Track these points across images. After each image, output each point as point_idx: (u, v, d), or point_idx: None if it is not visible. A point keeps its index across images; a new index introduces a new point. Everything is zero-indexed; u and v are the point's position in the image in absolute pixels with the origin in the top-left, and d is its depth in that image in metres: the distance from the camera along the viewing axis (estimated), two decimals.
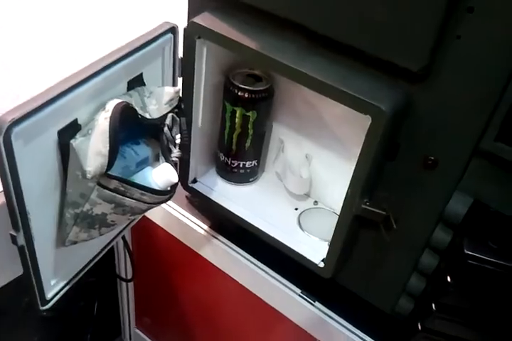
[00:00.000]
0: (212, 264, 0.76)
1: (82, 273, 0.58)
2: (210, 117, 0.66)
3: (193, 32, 0.55)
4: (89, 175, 0.43)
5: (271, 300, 0.73)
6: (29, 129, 0.41)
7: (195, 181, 0.70)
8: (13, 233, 0.45)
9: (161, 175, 0.49)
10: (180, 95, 0.55)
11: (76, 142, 0.44)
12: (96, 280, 0.88)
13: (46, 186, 0.45)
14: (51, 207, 0.47)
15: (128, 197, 0.46)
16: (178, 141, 0.53)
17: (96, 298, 0.97)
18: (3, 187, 0.43)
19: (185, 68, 0.59)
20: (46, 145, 0.44)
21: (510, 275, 0.45)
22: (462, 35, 0.44)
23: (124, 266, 0.92)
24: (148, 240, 0.85)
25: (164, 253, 0.85)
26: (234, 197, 0.69)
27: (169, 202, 0.75)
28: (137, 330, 1.10)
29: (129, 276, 0.91)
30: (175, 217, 0.76)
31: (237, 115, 0.63)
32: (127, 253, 0.83)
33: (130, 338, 1.14)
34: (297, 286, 0.69)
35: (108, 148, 0.42)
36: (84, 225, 0.47)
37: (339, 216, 0.57)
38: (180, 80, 0.60)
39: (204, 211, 0.76)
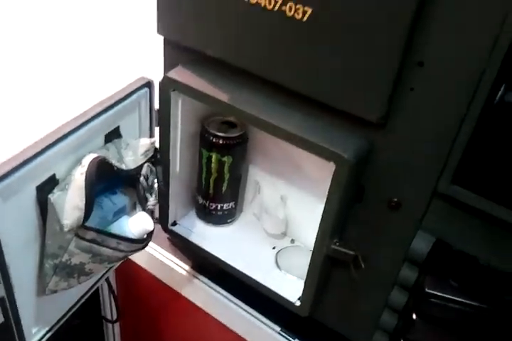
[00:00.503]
0: (194, 304, 0.78)
1: (65, 319, 0.59)
2: (187, 163, 0.69)
3: (167, 86, 0.59)
4: (66, 229, 0.45)
5: (252, 338, 0.75)
6: (8, 187, 0.43)
7: (175, 224, 0.72)
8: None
9: (137, 224, 0.51)
10: (157, 145, 0.58)
11: (54, 196, 0.46)
12: (81, 323, 0.89)
13: (26, 239, 0.47)
14: (31, 258, 0.49)
15: (105, 246, 0.48)
16: (155, 188, 0.56)
17: (82, 340, 0.97)
18: None
19: (162, 119, 0.62)
20: (25, 201, 0.46)
21: (472, 312, 0.47)
22: (415, 87, 0.47)
23: (110, 308, 0.93)
24: (132, 281, 0.86)
25: (148, 294, 0.86)
26: (213, 239, 0.71)
27: (151, 244, 0.77)
28: None
29: (114, 317, 0.92)
30: (157, 258, 0.78)
31: (213, 160, 0.66)
32: (111, 295, 0.85)
33: None
34: (277, 324, 0.71)
35: (84, 202, 0.45)
36: (64, 275, 0.49)
37: (311, 256, 0.59)
38: (157, 130, 0.63)
39: (186, 251, 0.78)
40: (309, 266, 0.60)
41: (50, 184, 0.47)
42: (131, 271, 0.82)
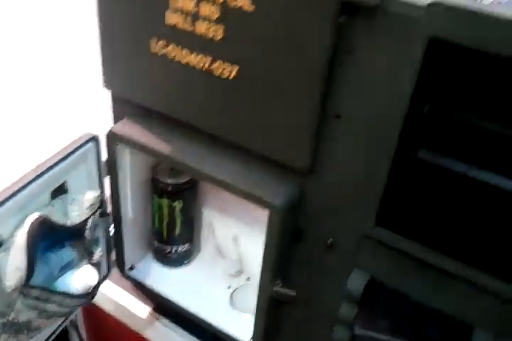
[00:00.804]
0: None
1: None
2: (141, 208, 0.71)
3: (113, 139, 0.61)
4: (9, 290, 0.47)
5: None
6: None
7: (132, 268, 0.74)
8: None
9: (80, 279, 0.53)
10: (104, 197, 0.61)
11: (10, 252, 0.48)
12: None
13: None
14: None
15: (50, 303, 0.50)
16: (101, 240, 0.58)
17: None
18: None
19: (110, 170, 0.64)
20: None
21: None
22: (336, 138, 0.50)
23: None
24: (100, 326, 0.88)
25: (113, 336, 0.87)
26: (169, 281, 0.73)
27: (115, 287, 0.79)
28: None
29: None
30: (120, 302, 0.79)
31: (164, 205, 0.69)
32: (77, 337, 0.86)
33: None
34: None
35: (26, 263, 0.47)
36: (12, 332, 0.51)
37: (257, 297, 0.61)
38: (107, 179, 0.66)
39: (146, 294, 0.79)
40: (256, 306, 0.62)
41: None
42: (98, 315, 0.84)
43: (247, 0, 0.46)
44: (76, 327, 0.82)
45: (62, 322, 0.66)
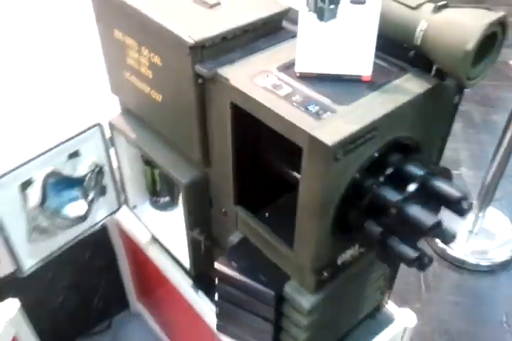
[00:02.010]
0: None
1: (51, 256, 1.01)
2: (136, 169, 1.06)
3: (111, 127, 0.96)
4: (31, 208, 0.86)
5: None
6: (4, 183, 0.85)
7: (134, 207, 1.11)
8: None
9: (73, 209, 0.91)
10: (107, 162, 0.97)
11: (28, 191, 0.87)
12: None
13: (15, 213, 0.89)
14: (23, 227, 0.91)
15: (55, 219, 0.88)
16: (93, 188, 0.94)
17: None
18: None
19: (113, 143, 1.00)
20: (12, 192, 0.87)
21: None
22: (213, 145, 0.79)
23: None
24: (127, 240, 1.28)
25: (133, 250, 1.27)
26: (156, 219, 1.09)
27: (127, 217, 1.17)
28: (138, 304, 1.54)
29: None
30: (130, 228, 1.18)
31: (148, 171, 1.03)
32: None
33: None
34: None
35: (40, 194, 0.85)
36: (38, 232, 0.90)
37: (186, 237, 0.94)
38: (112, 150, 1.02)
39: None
40: (187, 243, 0.95)
41: (28, 183, 0.88)
42: (125, 235, 1.24)
43: (158, 58, 0.75)
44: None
45: (79, 234, 1.06)
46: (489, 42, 0.62)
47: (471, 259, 1.77)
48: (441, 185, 0.63)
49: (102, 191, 0.99)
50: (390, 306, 1.04)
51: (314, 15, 0.63)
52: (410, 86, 0.65)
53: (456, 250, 1.78)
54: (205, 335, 1.05)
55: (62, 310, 1.41)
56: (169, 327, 1.45)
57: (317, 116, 0.60)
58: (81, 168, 0.92)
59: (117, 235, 1.30)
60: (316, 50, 0.64)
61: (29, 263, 0.97)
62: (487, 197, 1.69)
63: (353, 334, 0.99)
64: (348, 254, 0.77)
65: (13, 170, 0.86)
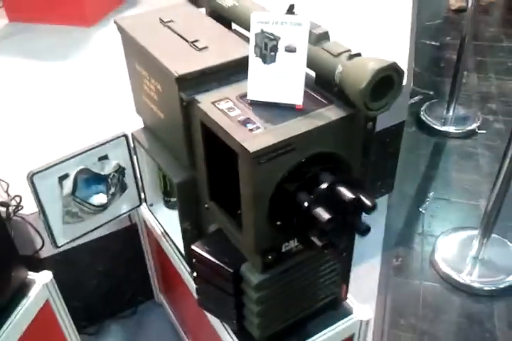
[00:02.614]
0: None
1: (82, 236, 1.28)
2: (153, 174, 1.32)
3: (132, 138, 1.23)
4: (65, 195, 1.13)
5: None
6: (46, 175, 1.12)
7: (151, 205, 1.37)
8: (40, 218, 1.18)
9: (98, 199, 1.17)
10: (124, 166, 1.23)
11: (64, 182, 1.15)
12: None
13: (53, 199, 1.17)
14: (59, 211, 1.19)
15: (84, 206, 1.15)
16: (115, 185, 1.21)
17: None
18: None
19: (135, 152, 1.26)
20: (52, 183, 1.15)
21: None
22: (197, 155, 1.03)
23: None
24: (148, 229, 1.53)
25: (151, 238, 1.52)
26: (167, 216, 1.34)
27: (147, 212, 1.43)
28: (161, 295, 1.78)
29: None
30: (150, 220, 1.43)
31: (161, 176, 1.28)
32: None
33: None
34: None
35: (71, 186, 1.12)
36: (70, 216, 1.17)
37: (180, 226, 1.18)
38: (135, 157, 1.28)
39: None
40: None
41: (65, 177, 1.16)
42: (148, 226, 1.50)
43: (160, 86, 1.01)
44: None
45: (106, 223, 1.32)
46: (388, 82, 0.82)
47: (475, 284, 1.86)
48: (340, 188, 0.83)
49: (123, 188, 1.26)
50: (351, 301, 1.21)
51: (259, 60, 0.86)
52: (330, 114, 0.86)
53: (460, 275, 1.89)
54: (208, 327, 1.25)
55: (95, 293, 1.68)
56: (183, 318, 1.67)
57: (250, 131, 0.82)
58: (107, 168, 1.20)
59: (144, 230, 1.56)
60: (262, 83, 0.87)
61: (62, 241, 1.25)
62: (489, 224, 1.80)
63: (312, 322, 1.17)
64: (291, 244, 0.97)
65: (55, 165, 1.14)
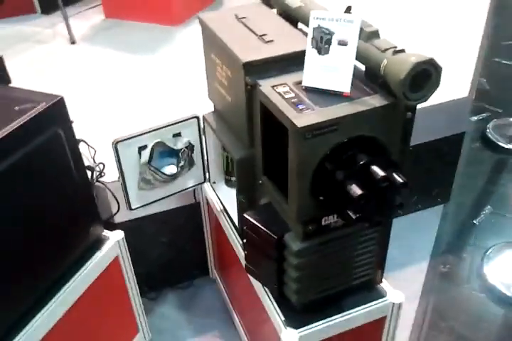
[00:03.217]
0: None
1: (152, 203, 1.46)
2: (218, 153, 1.48)
3: (203, 119, 1.40)
4: (142, 163, 1.31)
5: None
6: (130, 144, 1.31)
7: (214, 182, 1.53)
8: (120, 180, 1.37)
9: (169, 168, 1.35)
10: (193, 143, 1.40)
11: (142, 151, 1.33)
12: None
13: (133, 166, 1.35)
14: (135, 178, 1.37)
15: (156, 174, 1.33)
16: (184, 159, 1.38)
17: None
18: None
19: (204, 132, 1.43)
20: (133, 152, 1.33)
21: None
22: (256, 137, 1.17)
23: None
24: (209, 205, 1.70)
25: (210, 213, 1.68)
26: (227, 193, 1.49)
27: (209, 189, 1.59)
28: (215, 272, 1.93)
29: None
30: (211, 197, 1.60)
31: (224, 155, 1.44)
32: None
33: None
34: None
35: (148, 155, 1.30)
36: (144, 183, 1.35)
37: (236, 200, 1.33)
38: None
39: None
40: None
41: (143, 147, 1.34)
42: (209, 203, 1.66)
43: (229, 72, 1.17)
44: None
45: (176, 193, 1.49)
46: (427, 76, 0.93)
47: None
48: (373, 167, 0.94)
49: (191, 163, 1.43)
50: (385, 285, 1.30)
51: (315, 51, 0.99)
52: (373, 101, 0.98)
53: (507, 288, 1.91)
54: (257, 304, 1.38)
55: (157, 262, 1.86)
56: (233, 295, 1.81)
57: (300, 111, 0.96)
58: (179, 144, 1.37)
59: (206, 207, 1.72)
60: (316, 72, 1.01)
61: (136, 204, 1.44)
62: None
63: (347, 299, 1.27)
64: (330, 219, 1.09)
65: (136, 136, 1.33)
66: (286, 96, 1.01)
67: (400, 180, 0.94)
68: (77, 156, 1.28)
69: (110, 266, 1.46)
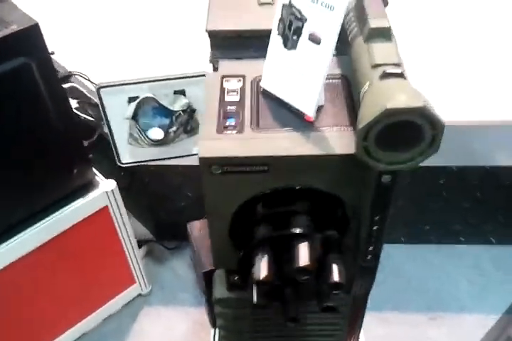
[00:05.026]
0: None
1: (147, 161, 1.25)
2: None
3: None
4: (125, 118, 1.09)
5: None
6: (112, 91, 1.08)
7: None
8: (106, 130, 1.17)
9: (154, 132, 1.10)
10: (195, 108, 1.12)
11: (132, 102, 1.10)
12: None
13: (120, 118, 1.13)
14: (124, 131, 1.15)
15: (139, 132, 1.11)
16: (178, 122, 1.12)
17: None
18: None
19: None
20: (121, 101, 1.10)
21: None
22: None
23: None
24: None
25: None
26: None
27: None
28: None
29: None
30: None
31: None
32: None
33: None
34: None
35: (132, 110, 1.07)
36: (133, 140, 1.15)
37: None
38: None
39: None
40: None
41: (134, 99, 1.10)
42: None
43: None
44: None
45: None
46: (412, 132, 0.53)
47: None
48: (299, 247, 0.60)
49: (186, 130, 1.16)
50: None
51: (280, 41, 0.63)
52: (337, 143, 0.60)
53: None
54: None
55: (183, 214, 1.70)
56: None
57: (222, 130, 0.63)
58: (177, 105, 1.10)
59: None
60: (278, 72, 0.65)
61: (127, 159, 1.24)
62: None
63: None
64: None
65: (123, 84, 1.08)
66: (226, 99, 0.68)
67: (334, 277, 0.60)
68: (58, 92, 1.09)
69: (97, 216, 1.33)
